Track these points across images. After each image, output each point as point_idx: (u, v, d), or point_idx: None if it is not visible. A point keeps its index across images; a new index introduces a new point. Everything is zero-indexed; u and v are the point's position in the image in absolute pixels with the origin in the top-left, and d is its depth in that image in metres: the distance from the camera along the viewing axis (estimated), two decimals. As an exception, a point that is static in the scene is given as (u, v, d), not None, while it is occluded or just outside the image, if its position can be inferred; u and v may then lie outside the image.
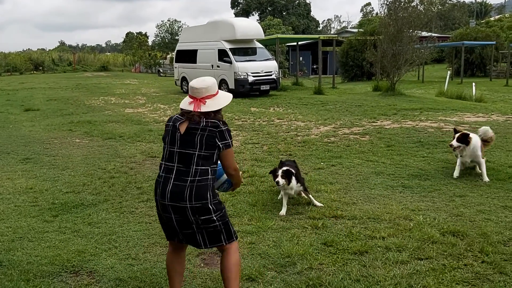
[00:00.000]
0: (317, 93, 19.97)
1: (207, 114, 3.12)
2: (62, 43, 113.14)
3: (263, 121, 12.28)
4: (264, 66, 18.95)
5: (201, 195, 3.04)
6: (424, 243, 4.22)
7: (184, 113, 3.17)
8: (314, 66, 47.50)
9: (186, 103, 3.20)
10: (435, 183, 6.20)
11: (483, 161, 6.36)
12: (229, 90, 18.55)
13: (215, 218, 3.10)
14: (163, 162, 3.19)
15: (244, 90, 18.30)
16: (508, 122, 11.39)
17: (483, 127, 7.06)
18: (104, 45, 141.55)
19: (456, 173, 6.46)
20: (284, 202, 5.32)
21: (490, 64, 37.01)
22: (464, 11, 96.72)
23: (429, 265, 3.80)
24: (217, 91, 3.26)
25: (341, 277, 3.65)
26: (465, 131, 6.52)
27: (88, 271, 3.95)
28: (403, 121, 11.67)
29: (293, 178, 5.22)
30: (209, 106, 3.14)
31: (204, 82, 3.22)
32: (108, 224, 5.03)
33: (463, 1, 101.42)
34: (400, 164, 7.29)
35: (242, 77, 18.26)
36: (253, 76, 18.42)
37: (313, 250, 4.18)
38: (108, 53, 79.00)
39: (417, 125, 11.02)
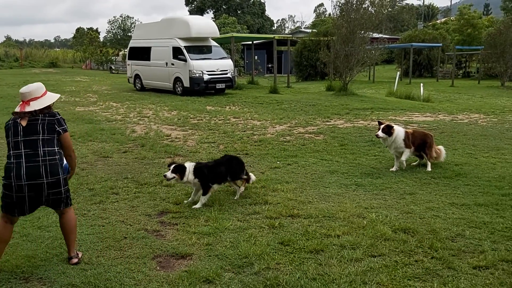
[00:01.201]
0: (272, 92, 20.11)
1: (40, 110, 3.83)
2: (8, 38, 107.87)
3: (219, 120, 12.23)
4: (219, 64, 18.87)
5: (55, 172, 3.78)
6: (377, 240, 4.34)
7: (17, 114, 3.86)
8: (269, 65, 47.83)
9: (17, 107, 3.90)
10: (386, 181, 6.39)
11: (406, 150, 6.88)
12: (184, 89, 18.37)
13: (63, 191, 3.88)
14: (11, 152, 3.77)
15: (199, 88, 18.16)
16: (454, 121, 11.91)
17: None
18: (53, 41, 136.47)
19: (394, 168, 6.98)
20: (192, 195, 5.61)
21: (437, 65, 38.59)
22: (413, 13, 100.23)
23: (382, 262, 3.91)
24: (44, 93, 3.97)
25: (298, 276, 3.69)
26: (390, 123, 7.02)
27: (39, 277, 3.79)
28: (356, 121, 11.97)
29: (188, 172, 5.37)
30: (33, 106, 3.84)
31: (28, 88, 3.92)
32: (58, 227, 4.84)
33: (412, 4, 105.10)
34: (353, 162, 7.47)
35: (197, 75, 18.10)
36: (209, 75, 18.30)
37: (270, 249, 4.20)
38: (58, 49, 76.19)
39: (368, 124, 11.33)
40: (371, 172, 6.85)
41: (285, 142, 9.26)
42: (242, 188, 5.86)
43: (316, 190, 6.02)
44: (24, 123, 3.80)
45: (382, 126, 6.87)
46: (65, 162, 4.04)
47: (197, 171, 5.47)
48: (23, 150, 3.75)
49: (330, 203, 5.51)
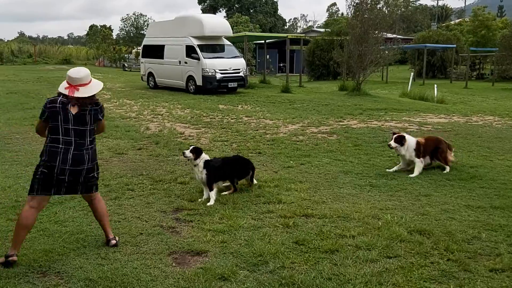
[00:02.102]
0: (284, 92, 20.11)
1: (85, 98, 3.99)
2: (22, 34, 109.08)
3: (232, 119, 12.26)
4: (232, 63, 18.89)
5: (93, 158, 4.11)
6: (393, 242, 4.33)
7: (62, 95, 4.00)
8: (281, 65, 47.74)
9: (62, 88, 4.03)
10: (401, 182, 6.37)
11: (418, 161, 6.82)
12: (197, 87, 18.42)
13: (95, 175, 4.21)
14: (60, 137, 3.95)
15: (212, 87, 18.20)
16: (469, 123, 11.82)
17: None
18: (66, 38, 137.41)
19: (392, 169, 6.99)
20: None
21: (451, 67, 38.24)
22: (426, 14, 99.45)
23: (398, 263, 3.90)
24: (90, 80, 4.09)
25: (313, 276, 3.69)
26: (402, 133, 6.99)
27: (56, 271, 3.84)
28: (369, 121, 11.92)
29: (202, 158, 5.66)
30: (82, 92, 3.98)
31: (78, 72, 4.05)
32: (75, 222, 4.91)
33: (425, 4, 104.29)
34: (368, 163, 7.45)
35: (210, 74, 18.15)
36: (221, 73, 18.34)
37: (284, 249, 4.21)
38: (71, 46, 76.87)
39: (382, 125, 11.28)
40: (386, 173, 6.82)
41: (298, 141, 9.26)
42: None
43: (330, 190, 6.02)
44: (74, 111, 4.00)
45: (394, 136, 6.84)
46: None
47: (207, 163, 5.67)
48: (73, 138, 3.98)
49: (344, 203, 5.51)
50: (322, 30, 50.89)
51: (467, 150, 8.39)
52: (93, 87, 4.10)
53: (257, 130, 10.52)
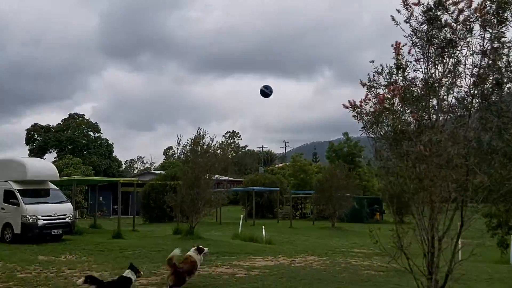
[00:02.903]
0: (116, 237, 19.21)
1: None
2: None
3: (51, 273, 11.02)
4: (57, 209, 17.66)
5: None
6: None
7: None
8: (115, 207, 46.18)
9: None
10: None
11: None
12: (15, 236, 16.50)
13: None
14: None
15: (32, 235, 16.51)
16: (293, 265, 12.57)
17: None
18: None
19: None
20: None
21: (277, 207, 41.54)
22: (254, 158, 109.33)
23: None
24: None
25: None
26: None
27: None
28: (201, 268, 11.84)
29: None
30: None
31: None
32: None
33: (253, 149, 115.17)
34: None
35: (30, 220, 16.57)
36: (44, 220, 16.89)
37: None
38: None
39: (213, 271, 11.30)
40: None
41: (124, 296, 8.63)
42: None
43: None
44: None
45: None
46: None
47: None
48: None
49: None
50: (159, 172, 51.82)
51: (290, 294, 8.78)
52: None
53: (79, 286, 9.56)
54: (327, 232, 28.09)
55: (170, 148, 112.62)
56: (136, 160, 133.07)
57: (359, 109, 5.91)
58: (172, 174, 33.15)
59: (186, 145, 20.32)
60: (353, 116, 5.94)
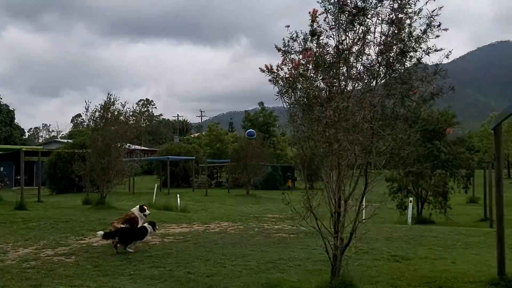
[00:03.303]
0: (19, 209, 17.99)
1: None
2: None
3: None
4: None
5: None
6: None
7: None
8: (18, 177, 43.33)
9: None
10: (141, 302, 6.18)
11: None
12: None
13: None
14: None
15: None
16: (207, 231, 12.67)
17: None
18: None
19: None
20: None
21: (192, 176, 41.42)
22: (169, 127, 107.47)
23: None
24: None
25: None
26: None
27: None
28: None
29: None
30: None
31: None
32: None
33: (168, 119, 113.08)
34: (107, 285, 7.03)
35: None
36: None
37: None
38: None
39: (125, 240, 11.06)
40: (125, 295, 6.54)
41: (29, 268, 8.17)
42: None
43: (62, 325, 5.37)
44: None
45: None
46: None
47: None
48: None
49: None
50: (66, 141, 49.17)
51: (204, 259, 8.85)
52: None
53: (-24, 260, 8.90)
54: (241, 199, 28.63)
55: (79, 116, 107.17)
56: (41, 128, 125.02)
57: (275, 74, 5.94)
58: (81, 143, 31.57)
59: (95, 111, 19.32)
60: (269, 80, 5.97)
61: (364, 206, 6.01)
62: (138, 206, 11.16)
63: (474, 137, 59.52)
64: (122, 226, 10.12)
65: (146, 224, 10.12)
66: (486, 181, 20.16)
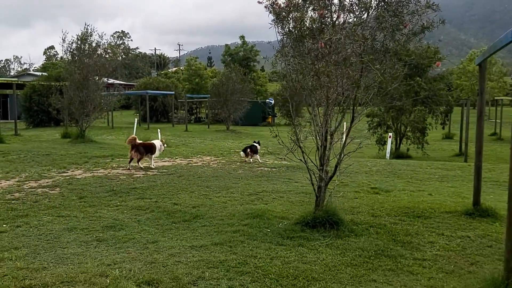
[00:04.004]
0: (-4, 142, 17.73)
1: None
2: None
3: None
4: None
5: None
6: (121, 299, 4.18)
7: None
8: (-9, 111, 42.30)
9: None
10: (129, 232, 6.30)
11: None
12: None
13: None
14: None
15: None
16: (190, 165, 12.77)
17: None
18: None
19: None
20: None
21: (172, 111, 41.05)
22: (146, 61, 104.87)
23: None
24: None
25: None
26: None
27: None
28: (95, 170, 11.56)
29: None
30: None
31: None
32: None
33: (145, 52, 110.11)
34: (94, 216, 7.12)
35: None
36: None
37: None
38: None
39: (109, 173, 11.09)
40: (113, 225, 6.64)
41: (13, 200, 8.17)
42: None
43: (52, 253, 5.46)
44: None
45: None
46: None
47: None
48: None
49: (68, 265, 5.06)
50: (40, 73, 47.68)
51: (189, 191, 8.98)
52: None
53: (-42, 191, 8.83)
54: (222, 135, 28.69)
55: (52, 48, 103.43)
56: (12, 60, 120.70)
57: (272, 1, 5.73)
58: (56, 76, 30.69)
59: (72, 42, 18.59)
60: (265, 7, 5.76)
61: (349, 141, 6.08)
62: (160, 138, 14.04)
63: (453, 74, 60.04)
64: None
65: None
66: (463, 118, 20.61)
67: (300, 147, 5.94)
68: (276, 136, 5.96)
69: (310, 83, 5.67)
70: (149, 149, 12.24)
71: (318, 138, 6.08)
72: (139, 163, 11.97)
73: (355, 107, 6.04)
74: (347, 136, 6.07)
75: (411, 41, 5.88)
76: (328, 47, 5.29)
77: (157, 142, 12.70)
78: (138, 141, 12.27)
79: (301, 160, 6.08)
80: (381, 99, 6.00)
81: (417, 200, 8.39)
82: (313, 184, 6.30)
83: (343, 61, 5.42)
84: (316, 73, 5.51)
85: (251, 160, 13.61)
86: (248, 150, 13.82)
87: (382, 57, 5.76)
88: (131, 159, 12.01)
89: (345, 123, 6.62)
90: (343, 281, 4.66)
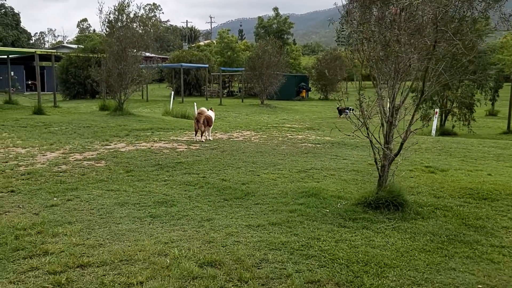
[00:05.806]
0: (37, 113, 17.93)
1: None
2: None
3: (-30, 150, 10.07)
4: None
5: None
6: (185, 282, 3.96)
7: None
8: (29, 82, 43.07)
9: None
10: (181, 208, 6.09)
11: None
12: None
13: None
14: None
15: None
16: (231, 140, 12.52)
17: None
18: None
19: None
20: None
21: (205, 85, 40.83)
22: (177, 34, 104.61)
23: (196, 306, 3.55)
24: None
25: None
26: None
27: None
28: (138, 143, 11.44)
29: None
30: None
31: None
32: None
33: (175, 25, 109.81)
34: (144, 191, 6.95)
35: None
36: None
37: (60, 317, 3.39)
38: None
39: (152, 146, 10.95)
40: (164, 200, 6.45)
41: (60, 172, 8.10)
42: None
43: (107, 229, 5.30)
44: None
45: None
46: None
47: None
48: None
49: (125, 242, 4.89)
50: (74, 46, 48.06)
51: (235, 167, 8.72)
52: None
53: (6, 162, 8.84)
54: (256, 109, 28.33)
55: (85, 20, 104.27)
56: (47, 33, 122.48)
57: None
58: (92, 47, 30.74)
59: (109, 13, 18.38)
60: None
61: (417, 118, 5.63)
62: (210, 108, 13.56)
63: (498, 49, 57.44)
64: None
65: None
66: (512, 94, 19.55)
67: (365, 125, 5.53)
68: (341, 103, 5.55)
69: (380, 53, 5.21)
70: (209, 121, 12.37)
71: (383, 113, 5.65)
72: (202, 136, 12.12)
73: (426, 79, 5.56)
74: (415, 111, 5.61)
75: (491, 8, 5.32)
76: (402, 13, 4.81)
77: (212, 114, 12.75)
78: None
79: (367, 136, 5.67)
80: (454, 71, 5.49)
81: (478, 181, 7.89)
82: (376, 163, 5.90)
83: (417, 31, 4.93)
84: (388, 43, 5.05)
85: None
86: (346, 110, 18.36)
87: (458, 25, 5.23)
88: (198, 131, 12.15)
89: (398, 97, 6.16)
90: (419, 269, 4.31)
